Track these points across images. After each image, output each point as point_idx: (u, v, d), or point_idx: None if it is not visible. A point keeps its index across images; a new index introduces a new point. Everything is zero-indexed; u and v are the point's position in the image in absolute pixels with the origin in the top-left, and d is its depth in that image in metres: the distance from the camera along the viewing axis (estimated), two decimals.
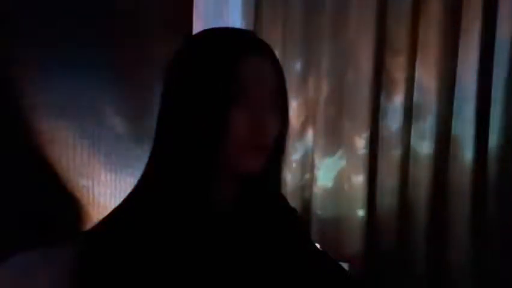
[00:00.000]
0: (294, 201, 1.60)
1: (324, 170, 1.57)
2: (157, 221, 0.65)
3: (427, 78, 1.45)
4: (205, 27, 0.75)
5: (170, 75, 0.70)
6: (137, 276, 0.62)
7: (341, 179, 1.57)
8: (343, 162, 1.56)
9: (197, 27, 1.49)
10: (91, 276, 0.62)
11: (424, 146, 1.46)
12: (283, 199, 0.83)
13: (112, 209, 0.70)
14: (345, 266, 1.16)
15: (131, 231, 0.64)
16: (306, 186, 1.63)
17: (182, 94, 0.67)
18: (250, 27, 1.61)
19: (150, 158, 0.71)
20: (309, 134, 1.63)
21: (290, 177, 1.62)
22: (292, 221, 0.82)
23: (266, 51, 0.70)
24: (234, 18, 1.61)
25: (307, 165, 1.63)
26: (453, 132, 1.42)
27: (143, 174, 0.71)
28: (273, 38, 1.61)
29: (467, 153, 1.39)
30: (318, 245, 0.91)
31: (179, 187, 0.66)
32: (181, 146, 0.66)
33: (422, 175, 1.46)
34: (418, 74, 1.47)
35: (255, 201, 0.74)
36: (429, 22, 1.44)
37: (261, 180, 0.72)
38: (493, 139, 1.36)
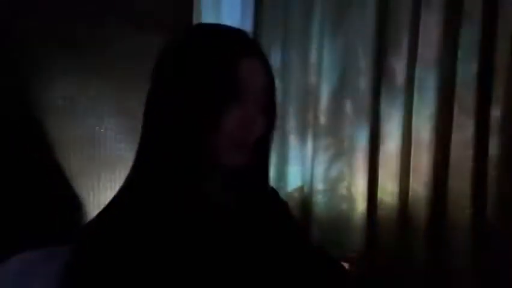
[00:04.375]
0: (294, 201, 1.60)
1: (325, 170, 1.57)
2: (148, 215, 0.65)
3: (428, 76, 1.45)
4: None
5: (161, 71, 0.70)
6: (132, 273, 0.62)
7: (341, 179, 1.57)
8: (344, 162, 1.56)
9: None
10: (85, 273, 0.62)
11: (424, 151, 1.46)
12: (274, 192, 0.85)
13: (106, 205, 0.70)
14: (345, 266, 1.16)
15: (124, 226, 0.64)
16: (306, 186, 1.63)
17: (178, 93, 0.67)
18: (250, 28, 1.60)
19: (139, 152, 0.71)
20: (309, 134, 1.62)
21: (291, 177, 1.62)
22: (282, 213, 0.83)
23: (259, 51, 0.71)
24: (234, 18, 1.61)
25: (308, 165, 1.63)
26: (452, 136, 1.42)
27: (132, 170, 0.71)
28: (273, 38, 1.60)
29: (467, 154, 1.39)
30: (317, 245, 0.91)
31: (168, 181, 0.67)
32: (171, 141, 0.67)
33: (422, 176, 1.45)
34: (419, 74, 1.47)
35: (243, 194, 0.75)
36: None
37: (248, 175, 0.73)
38: (493, 139, 1.36)
